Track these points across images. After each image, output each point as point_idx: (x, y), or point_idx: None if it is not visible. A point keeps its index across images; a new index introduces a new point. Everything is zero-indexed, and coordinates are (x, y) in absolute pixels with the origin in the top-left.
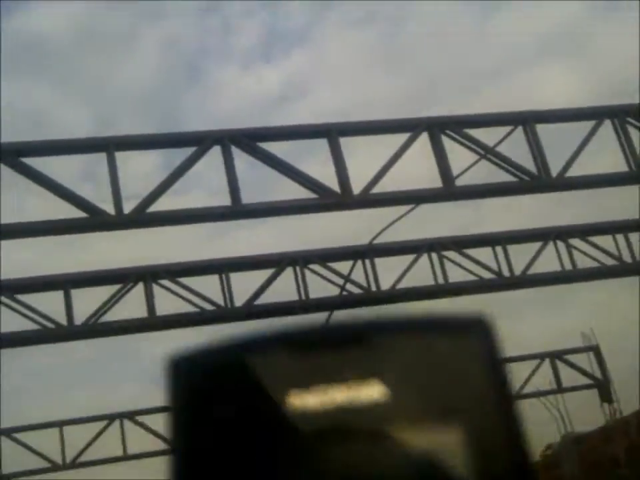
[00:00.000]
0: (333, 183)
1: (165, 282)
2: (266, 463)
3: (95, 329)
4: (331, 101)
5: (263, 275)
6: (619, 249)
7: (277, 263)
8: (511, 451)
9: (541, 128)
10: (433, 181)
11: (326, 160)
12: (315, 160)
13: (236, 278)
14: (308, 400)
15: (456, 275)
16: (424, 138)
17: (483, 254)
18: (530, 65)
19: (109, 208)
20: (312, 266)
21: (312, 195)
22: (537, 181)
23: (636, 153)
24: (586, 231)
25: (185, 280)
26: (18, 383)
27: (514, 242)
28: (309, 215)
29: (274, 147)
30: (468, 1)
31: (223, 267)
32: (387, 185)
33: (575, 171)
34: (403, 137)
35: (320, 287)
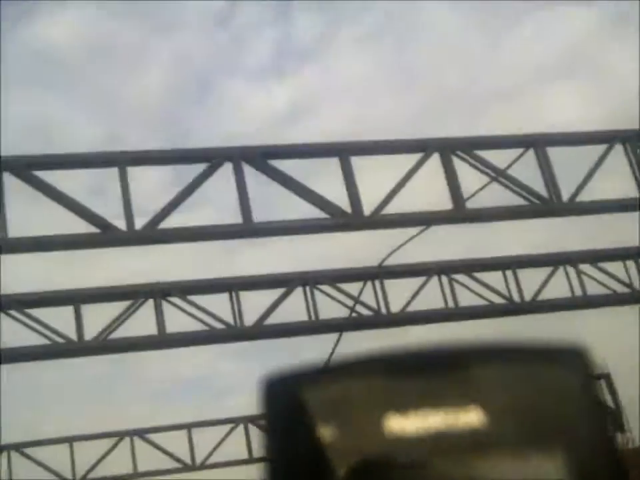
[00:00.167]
0: (341, 203)
1: (175, 299)
2: None
3: (105, 345)
4: (341, 119)
5: (272, 294)
6: (630, 275)
7: (286, 282)
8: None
9: (552, 150)
10: (444, 202)
11: (334, 180)
12: (323, 179)
13: (246, 297)
14: (404, 424)
15: (466, 299)
16: (435, 159)
17: (493, 278)
18: (542, 85)
19: (118, 224)
20: (322, 286)
21: (323, 215)
22: (548, 205)
23: None
24: (597, 257)
25: (194, 298)
26: (27, 398)
27: (524, 266)
28: (320, 235)
29: (283, 165)
30: (481, 18)
31: (232, 286)
32: (397, 206)
33: (585, 195)
34: (413, 158)
35: (329, 307)
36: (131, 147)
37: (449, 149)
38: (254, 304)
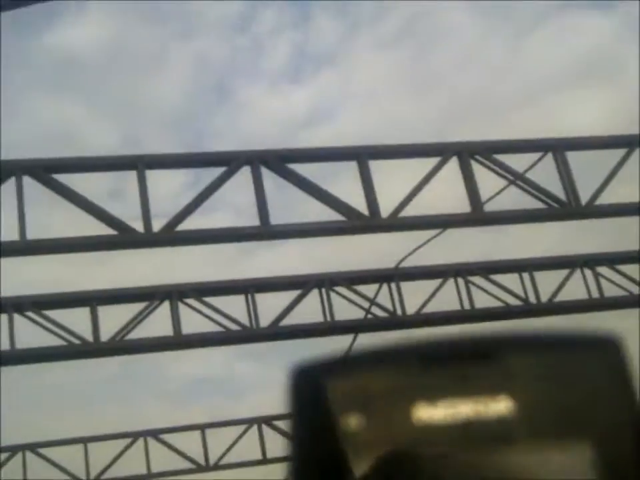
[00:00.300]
0: (358, 207)
1: (191, 301)
2: (389, 475)
3: (121, 346)
4: (359, 123)
5: (288, 296)
6: None
7: (303, 284)
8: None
9: (571, 154)
10: (462, 205)
11: (350, 183)
12: (339, 184)
13: (261, 298)
14: (435, 413)
15: (482, 301)
16: (453, 162)
17: (510, 280)
18: (561, 90)
19: (135, 226)
20: (338, 288)
21: (340, 217)
22: (567, 209)
23: None
24: (614, 259)
25: (210, 299)
26: (42, 399)
27: (541, 269)
28: (336, 237)
29: (301, 169)
30: (501, 23)
31: (248, 288)
32: (413, 208)
33: (604, 200)
34: (431, 161)
35: (345, 309)
36: (149, 150)
37: (467, 153)
38: (270, 306)
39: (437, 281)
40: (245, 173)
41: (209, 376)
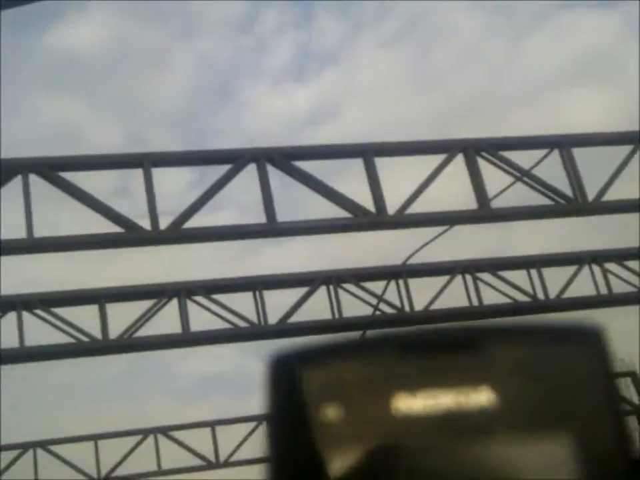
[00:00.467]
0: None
1: (199, 298)
2: (367, 466)
3: (130, 343)
4: (363, 121)
5: (296, 293)
6: None
7: (310, 281)
8: (619, 466)
9: (577, 151)
10: (468, 202)
11: (353, 181)
12: (344, 182)
13: (269, 296)
14: (414, 404)
15: (491, 298)
16: (459, 159)
17: (518, 277)
18: (564, 86)
19: (141, 224)
20: (345, 285)
21: (346, 215)
22: (574, 205)
23: None
24: (622, 255)
25: (218, 297)
26: (53, 396)
27: (549, 265)
28: (343, 235)
29: (305, 167)
30: (503, 22)
31: (256, 285)
32: (420, 205)
33: (611, 196)
34: (437, 158)
35: (353, 306)
36: (153, 149)
37: (473, 150)
38: (278, 303)
39: (445, 278)
40: (250, 171)
41: (218, 373)
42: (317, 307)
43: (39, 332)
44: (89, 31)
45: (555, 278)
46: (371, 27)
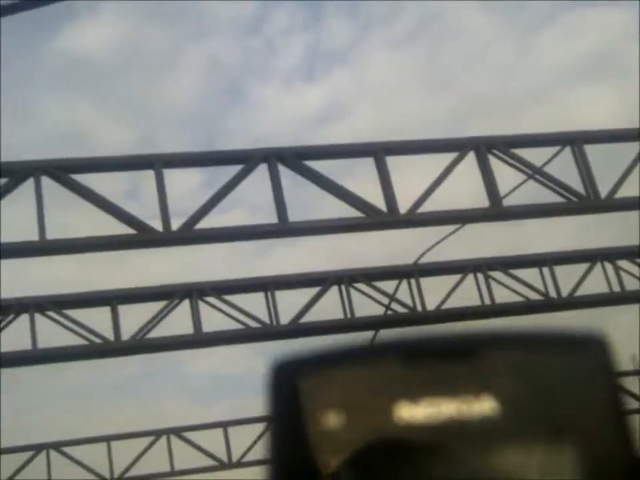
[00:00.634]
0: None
1: (211, 299)
2: (368, 473)
3: (142, 344)
4: (374, 121)
5: (308, 293)
6: None
7: (322, 281)
8: (623, 472)
9: (589, 148)
10: (480, 201)
11: (364, 181)
12: (354, 181)
13: (281, 296)
14: (416, 412)
15: (502, 296)
16: (470, 157)
17: (530, 275)
18: (574, 84)
19: (152, 225)
20: (357, 285)
21: (358, 214)
22: (586, 202)
23: None
24: (635, 253)
25: (230, 297)
26: (65, 398)
27: (561, 263)
28: (354, 235)
29: (316, 167)
30: (513, 20)
31: (268, 285)
32: (431, 204)
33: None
34: (449, 157)
35: (365, 305)
36: (164, 150)
37: (484, 147)
38: (290, 303)
39: (457, 277)
40: (261, 171)
41: (230, 374)
42: (329, 307)
43: (52, 334)
44: (99, 33)
45: (568, 276)
46: (381, 27)
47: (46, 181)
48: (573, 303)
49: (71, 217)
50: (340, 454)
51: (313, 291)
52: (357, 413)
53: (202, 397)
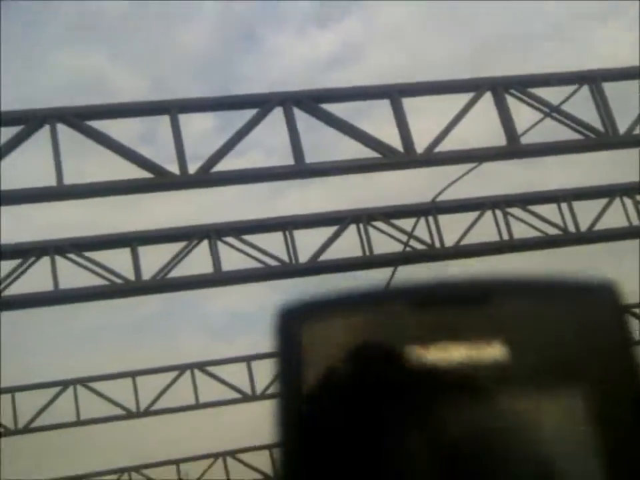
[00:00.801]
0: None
1: (230, 239)
2: (378, 419)
3: (163, 283)
4: (388, 64)
5: (326, 233)
6: None
7: (340, 220)
8: (634, 424)
9: (607, 86)
10: (497, 140)
11: (379, 123)
12: (369, 124)
13: (299, 236)
14: (425, 358)
15: (521, 232)
16: (487, 97)
17: (548, 213)
18: (592, 23)
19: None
20: (375, 223)
21: (375, 155)
22: (604, 139)
23: None
24: None
25: (249, 237)
26: (89, 337)
27: (580, 198)
28: (367, 175)
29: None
30: None
31: (286, 225)
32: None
33: None
34: (465, 98)
35: (383, 245)
36: (178, 96)
37: (501, 87)
38: (308, 244)
39: (475, 214)
40: (276, 114)
41: (249, 311)
42: (348, 248)
43: (73, 277)
44: None
45: (587, 213)
46: None
47: (61, 128)
48: (592, 237)
49: (87, 164)
50: (346, 401)
51: (331, 230)
52: (366, 359)
53: (223, 334)
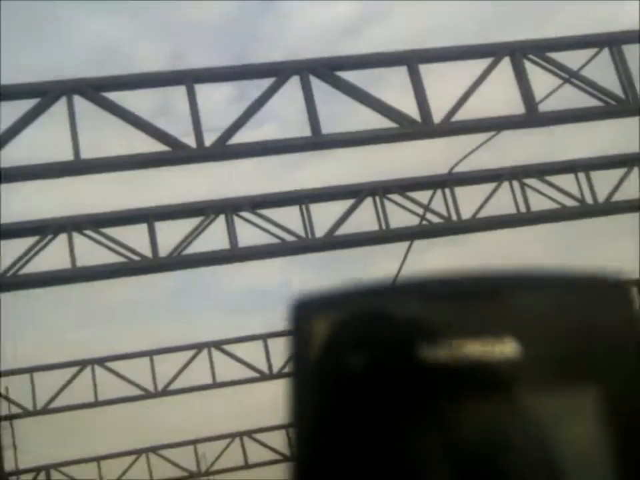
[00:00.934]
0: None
1: (246, 214)
2: (390, 416)
3: (179, 260)
4: (405, 30)
5: (343, 206)
6: None
7: (356, 193)
8: None
9: (628, 50)
10: (515, 108)
11: (396, 92)
12: (386, 93)
13: (315, 210)
14: (436, 354)
15: (538, 203)
16: (505, 64)
17: (565, 184)
18: None
19: (185, 141)
20: (391, 196)
21: (392, 125)
22: (625, 105)
23: None
24: None
25: (265, 212)
26: (108, 315)
27: (597, 168)
28: (383, 146)
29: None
30: None
31: (302, 199)
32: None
33: None
34: (482, 65)
35: (400, 217)
36: (194, 65)
37: (519, 53)
38: (324, 218)
39: (492, 186)
40: (292, 84)
41: (266, 288)
42: (364, 221)
43: (90, 253)
44: None
45: (605, 183)
46: None
47: (78, 100)
48: (610, 208)
49: (104, 137)
50: (362, 395)
51: (348, 204)
52: (380, 354)
53: (239, 311)
